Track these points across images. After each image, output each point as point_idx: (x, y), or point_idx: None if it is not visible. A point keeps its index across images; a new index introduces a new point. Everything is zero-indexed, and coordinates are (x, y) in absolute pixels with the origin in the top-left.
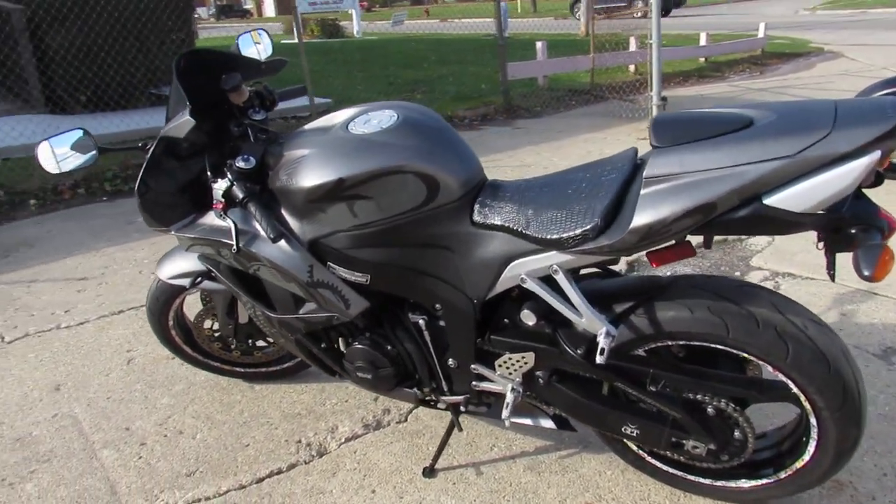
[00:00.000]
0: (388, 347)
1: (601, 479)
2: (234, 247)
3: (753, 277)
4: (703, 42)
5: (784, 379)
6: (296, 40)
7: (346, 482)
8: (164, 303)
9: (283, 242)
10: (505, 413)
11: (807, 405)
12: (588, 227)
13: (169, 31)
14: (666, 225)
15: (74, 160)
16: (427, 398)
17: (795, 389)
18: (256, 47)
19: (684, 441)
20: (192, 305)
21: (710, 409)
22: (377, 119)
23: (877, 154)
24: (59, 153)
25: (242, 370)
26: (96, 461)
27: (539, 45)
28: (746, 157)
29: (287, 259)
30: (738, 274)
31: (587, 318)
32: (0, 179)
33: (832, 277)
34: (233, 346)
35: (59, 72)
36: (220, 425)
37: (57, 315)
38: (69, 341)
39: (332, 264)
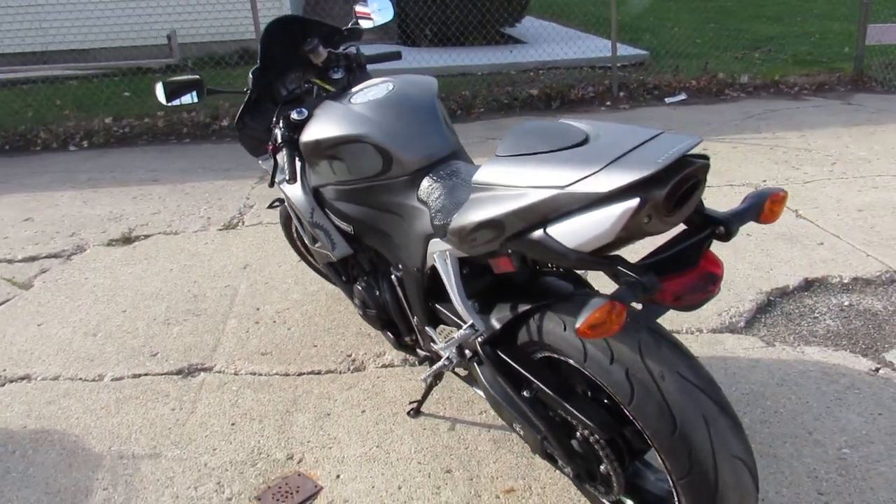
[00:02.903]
0: (377, 293)
1: (546, 473)
2: (270, 181)
3: None
4: None
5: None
6: None
7: (352, 397)
8: (286, 217)
9: (297, 185)
10: (423, 374)
11: (660, 460)
12: (446, 220)
13: None
14: (468, 233)
15: (185, 98)
16: (406, 346)
17: (650, 441)
18: (373, 10)
19: (556, 458)
20: None
21: (578, 434)
22: (373, 92)
23: (633, 202)
24: (171, 90)
25: None
26: (222, 325)
27: None
28: (536, 181)
29: (298, 199)
30: None
31: (460, 308)
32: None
33: None
34: None
35: (411, 12)
36: (312, 326)
37: None
38: (279, 233)
39: (328, 210)
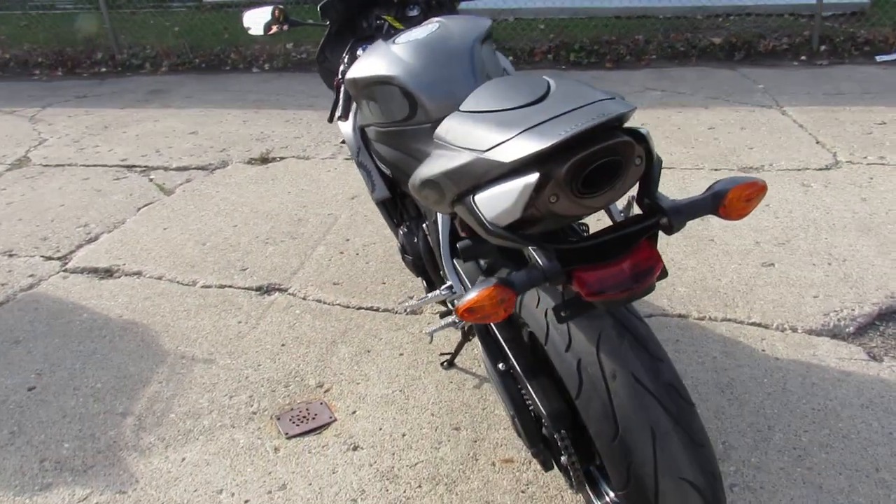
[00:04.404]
0: (415, 240)
1: None
2: (329, 116)
3: None
4: None
5: None
6: None
7: (396, 339)
8: None
9: (348, 122)
10: (427, 328)
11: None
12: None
13: None
14: (417, 191)
15: (252, 29)
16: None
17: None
18: None
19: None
20: None
21: (541, 421)
22: (416, 33)
23: (532, 178)
24: (260, 20)
25: None
26: (310, 251)
27: None
28: (469, 142)
29: (348, 137)
30: None
31: (443, 265)
32: (497, 35)
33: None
34: None
35: None
36: (390, 263)
37: None
38: None
39: (371, 152)
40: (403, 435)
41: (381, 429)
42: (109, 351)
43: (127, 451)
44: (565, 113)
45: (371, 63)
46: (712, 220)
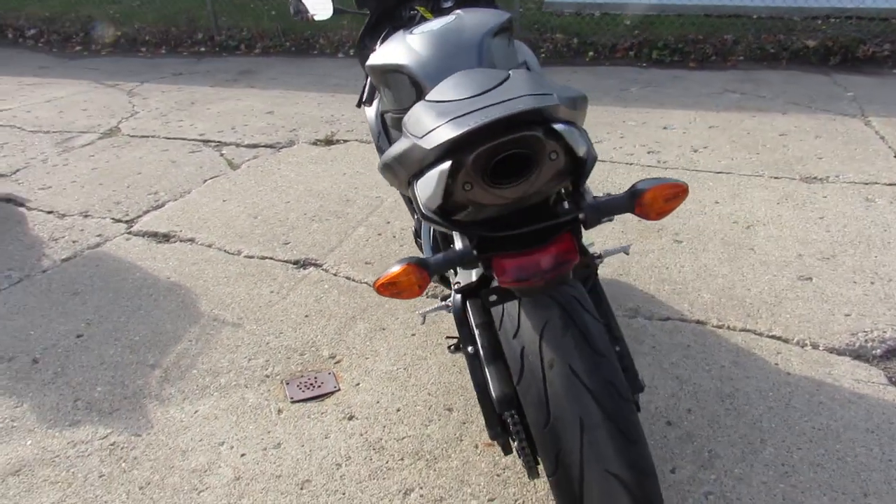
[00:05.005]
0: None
1: None
2: (357, 101)
3: None
4: None
5: None
6: None
7: (410, 319)
8: None
9: (372, 108)
10: (421, 309)
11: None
12: None
13: None
14: (381, 172)
15: (318, 14)
16: (446, 280)
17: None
18: None
19: None
20: None
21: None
22: (433, 24)
23: (446, 165)
24: (327, 5)
25: None
26: (351, 230)
27: None
28: (415, 129)
29: (371, 122)
30: None
31: (424, 246)
32: (580, 29)
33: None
34: None
35: None
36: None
37: None
38: None
39: (389, 137)
40: (398, 410)
41: (378, 402)
42: (152, 308)
43: (149, 399)
44: (492, 105)
45: (387, 51)
46: (758, 230)
